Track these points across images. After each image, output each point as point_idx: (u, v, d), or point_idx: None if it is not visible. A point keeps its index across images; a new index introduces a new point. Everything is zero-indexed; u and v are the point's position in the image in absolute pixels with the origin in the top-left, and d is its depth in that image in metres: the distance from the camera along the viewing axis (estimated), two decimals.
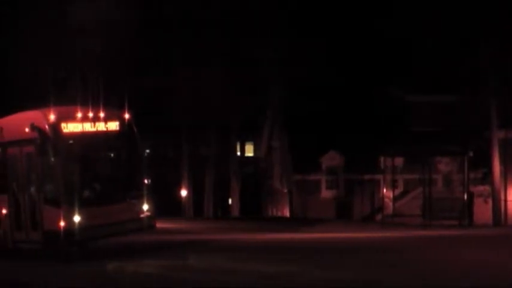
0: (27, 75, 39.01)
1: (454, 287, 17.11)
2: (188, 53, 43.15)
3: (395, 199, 40.75)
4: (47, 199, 21.45)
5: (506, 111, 39.51)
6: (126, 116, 22.76)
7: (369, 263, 20.43)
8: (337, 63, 45.60)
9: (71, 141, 21.75)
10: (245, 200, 47.77)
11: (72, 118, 21.74)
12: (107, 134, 22.36)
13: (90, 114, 22.04)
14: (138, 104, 24.74)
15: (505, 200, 40.85)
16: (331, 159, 49.32)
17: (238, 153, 52.16)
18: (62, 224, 20.86)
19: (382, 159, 42.41)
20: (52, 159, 21.15)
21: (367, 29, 46.01)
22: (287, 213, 47.55)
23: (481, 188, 41.65)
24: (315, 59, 42.87)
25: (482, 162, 40.70)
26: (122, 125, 22.63)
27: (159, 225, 23.90)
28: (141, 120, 23.67)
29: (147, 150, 23.57)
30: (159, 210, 24.26)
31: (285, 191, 47.94)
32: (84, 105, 22.30)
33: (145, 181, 22.72)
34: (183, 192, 47.71)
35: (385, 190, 40.81)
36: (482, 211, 40.00)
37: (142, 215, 22.45)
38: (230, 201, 48.12)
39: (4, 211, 22.90)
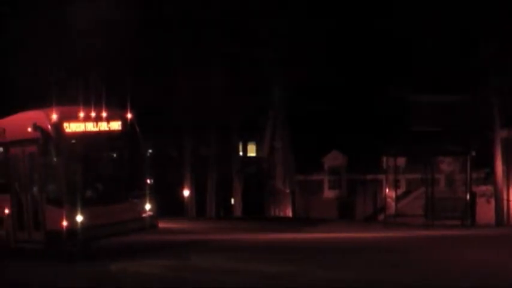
0: (27, 75, 39.00)
1: (457, 287, 17.10)
2: (189, 53, 43.16)
3: (397, 199, 40.70)
4: (50, 199, 21.45)
5: (508, 111, 39.51)
6: (129, 115, 22.76)
7: (372, 263, 20.42)
8: (338, 64, 45.60)
9: (73, 141, 21.75)
10: (247, 200, 47.76)
11: (74, 118, 21.73)
12: (109, 133, 22.36)
13: (93, 114, 22.03)
14: (140, 104, 24.71)
15: (508, 200, 40.80)
16: (333, 159, 49.28)
17: (241, 153, 52.17)
18: (65, 223, 20.86)
19: (384, 159, 42.37)
20: (54, 159, 21.15)
21: (367, 29, 45.99)
22: (289, 213, 47.53)
23: (483, 187, 41.62)
24: (315, 59, 42.87)
25: (485, 162, 40.67)
26: (124, 124, 22.63)
27: (162, 225, 23.90)
28: (144, 120, 23.67)
29: (150, 150, 23.56)
30: (161, 210, 24.25)
31: (288, 191, 47.92)
32: (86, 105, 22.28)
33: (148, 181, 22.73)
34: (186, 192, 47.72)
35: (387, 190, 40.78)
36: (485, 211, 39.98)
37: (144, 215, 22.46)
38: (232, 201, 48.11)
39: (6, 211, 22.90)
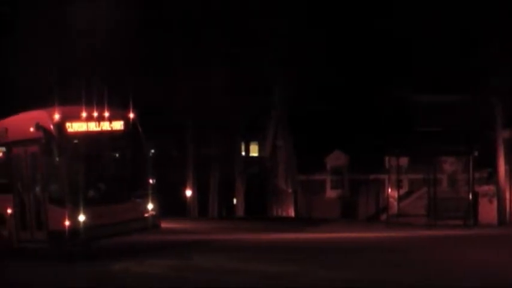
0: (28, 75, 39.00)
1: (459, 287, 17.09)
2: (190, 53, 43.15)
3: (400, 199, 40.69)
4: (52, 199, 21.43)
5: (510, 111, 39.50)
6: (131, 115, 22.76)
7: (374, 263, 20.42)
8: (338, 64, 45.57)
9: (75, 141, 21.76)
10: (250, 200, 47.74)
11: (76, 118, 21.72)
12: (111, 133, 22.37)
13: (95, 114, 22.02)
14: (142, 104, 24.70)
15: (510, 200, 40.83)
16: (336, 159, 49.28)
17: (243, 153, 52.14)
18: (67, 223, 20.85)
19: (387, 159, 42.38)
20: (57, 158, 21.13)
21: (368, 29, 45.96)
22: (292, 213, 47.52)
23: (486, 187, 41.64)
24: (316, 59, 42.86)
25: (487, 162, 40.66)
26: (126, 124, 22.63)
27: (164, 225, 23.89)
28: (146, 120, 23.66)
29: (152, 150, 23.55)
30: (163, 211, 24.25)
31: (290, 191, 47.91)
32: (88, 105, 22.27)
33: (150, 181, 22.72)
34: (188, 192, 47.70)
35: (390, 190, 40.78)
36: (487, 211, 40.00)
37: (147, 215, 22.46)
38: (235, 201, 48.09)
39: (9, 211, 22.90)
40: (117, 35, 38.94)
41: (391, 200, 40.23)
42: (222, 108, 43.22)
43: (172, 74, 43.14)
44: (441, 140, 41.58)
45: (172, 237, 27.94)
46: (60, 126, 21.39)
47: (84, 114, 21.81)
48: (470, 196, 37.07)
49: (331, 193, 49.35)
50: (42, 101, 24.36)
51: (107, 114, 22.23)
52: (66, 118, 21.52)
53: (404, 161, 43.01)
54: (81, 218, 20.90)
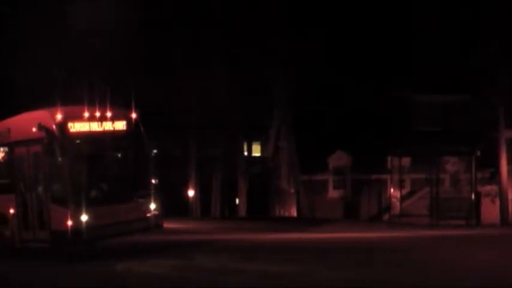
0: (28, 75, 39.01)
1: (461, 287, 17.08)
2: (190, 53, 43.16)
3: (402, 199, 40.71)
4: (55, 199, 21.44)
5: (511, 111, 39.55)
6: (133, 115, 22.75)
7: (376, 262, 20.42)
8: (339, 64, 45.56)
9: (78, 141, 21.76)
10: (252, 200, 47.75)
11: (79, 118, 21.72)
12: (114, 133, 22.36)
13: (97, 114, 22.00)
14: (144, 104, 24.70)
15: None
16: (338, 159, 49.27)
17: (246, 153, 52.14)
18: (70, 223, 20.85)
19: (389, 159, 42.40)
20: (59, 158, 21.14)
21: (368, 29, 45.95)
22: (294, 213, 47.53)
23: (488, 187, 41.63)
24: (316, 59, 42.85)
25: (490, 162, 40.65)
26: (129, 124, 22.63)
27: (166, 225, 23.91)
28: (149, 120, 23.66)
29: (155, 150, 23.54)
30: (166, 211, 24.26)
31: (292, 191, 47.91)
32: (91, 105, 22.27)
33: (153, 181, 22.71)
34: (190, 192, 47.72)
35: (392, 190, 40.80)
36: (490, 211, 39.99)
37: (149, 215, 22.45)
38: (237, 201, 48.12)
39: (12, 211, 22.92)
40: (117, 35, 38.95)
41: (393, 200, 40.25)
42: (222, 108, 43.24)
43: (172, 74, 43.16)
44: (442, 140, 41.59)
45: (175, 237, 27.95)
46: (63, 126, 21.39)
47: (86, 114, 21.80)
48: (473, 196, 37.09)
49: (333, 193, 49.34)
50: (43, 101, 24.35)
51: (109, 114, 22.21)
52: (68, 118, 21.52)
53: (406, 161, 43.03)
54: (84, 218, 20.89)
